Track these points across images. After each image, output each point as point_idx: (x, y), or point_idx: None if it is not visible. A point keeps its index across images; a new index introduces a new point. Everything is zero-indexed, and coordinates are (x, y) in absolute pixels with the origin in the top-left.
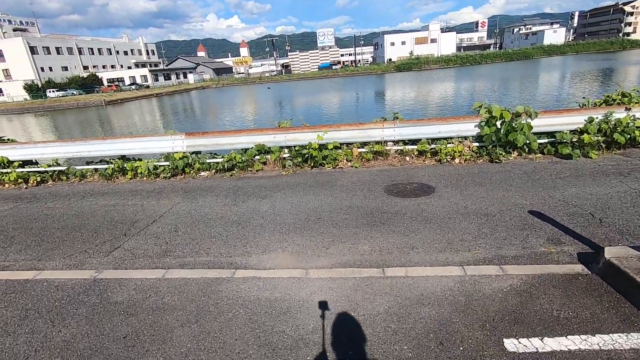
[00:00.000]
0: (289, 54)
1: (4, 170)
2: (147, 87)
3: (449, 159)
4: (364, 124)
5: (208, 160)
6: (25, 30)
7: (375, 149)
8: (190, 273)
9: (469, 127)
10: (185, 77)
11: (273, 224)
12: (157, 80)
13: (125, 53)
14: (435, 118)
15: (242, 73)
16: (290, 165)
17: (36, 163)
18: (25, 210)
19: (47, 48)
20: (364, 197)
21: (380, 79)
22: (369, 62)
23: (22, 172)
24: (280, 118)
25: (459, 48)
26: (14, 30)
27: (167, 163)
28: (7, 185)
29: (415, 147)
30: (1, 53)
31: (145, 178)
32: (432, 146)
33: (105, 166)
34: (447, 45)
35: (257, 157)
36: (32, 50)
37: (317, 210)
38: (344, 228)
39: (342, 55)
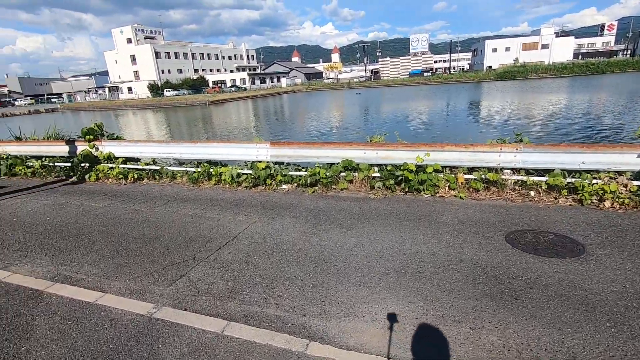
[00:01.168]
0: (379, 60)
1: (111, 165)
2: (245, 89)
3: (594, 201)
4: (476, 145)
5: (291, 173)
6: (153, 38)
7: (487, 177)
8: (254, 334)
9: (629, 160)
10: (278, 80)
11: (359, 270)
12: (254, 83)
13: (229, 58)
14: (576, 144)
15: (332, 78)
16: (379, 187)
17: (138, 160)
18: (115, 211)
19: (168, 53)
20: (478, 247)
21: (476, 88)
22: (464, 69)
23: (123, 168)
24: (366, 126)
25: (576, 55)
26: (145, 38)
27: (250, 172)
28: (110, 179)
29: (544, 179)
30: (134, 57)
31: (227, 185)
32: (569, 180)
33: (193, 169)
34: (562, 51)
35: (343, 173)
36: (157, 55)
37: (415, 258)
38: (456, 296)
39: (435, 62)
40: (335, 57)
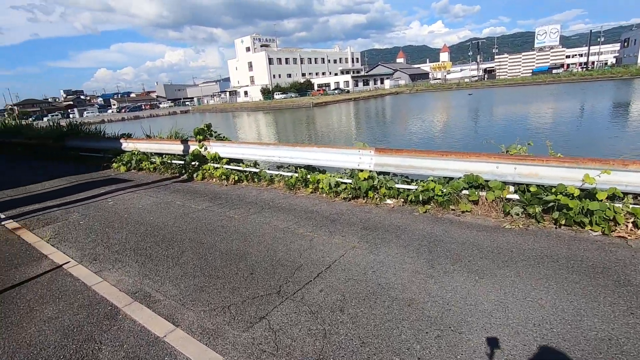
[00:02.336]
0: (495, 57)
1: (216, 165)
2: (347, 91)
3: None
4: None
5: (397, 186)
6: (268, 46)
7: None
8: None
9: None
10: (382, 82)
11: (509, 358)
12: (356, 85)
13: (335, 61)
14: None
15: (439, 79)
16: (518, 215)
17: (240, 162)
18: (210, 216)
19: (279, 59)
20: None
21: (627, 86)
22: (608, 63)
23: (226, 169)
24: (486, 133)
25: None
26: (261, 46)
27: (350, 181)
28: (214, 179)
29: None
30: (251, 64)
31: (324, 195)
32: None
33: (290, 174)
34: None
35: (466, 191)
36: (270, 61)
37: (608, 349)
38: None
39: (567, 56)
40: (444, 56)
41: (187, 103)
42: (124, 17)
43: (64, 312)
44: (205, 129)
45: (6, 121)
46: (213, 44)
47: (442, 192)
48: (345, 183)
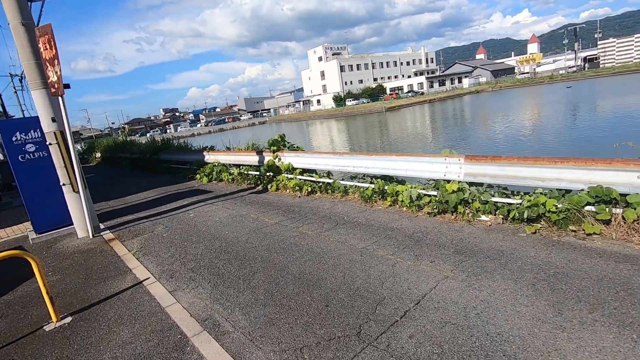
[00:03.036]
0: (599, 42)
1: (289, 176)
2: (422, 93)
3: None
4: None
5: (494, 199)
6: (339, 54)
7: None
8: None
9: None
10: (459, 82)
11: None
12: (432, 86)
13: (407, 63)
14: None
15: (527, 72)
16: None
17: (314, 172)
18: (283, 231)
19: (351, 66)
20: None
21: None
22: None
23: (300, 179)
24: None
25: None
26: (332, 54)
27: (434, 194)
28: (288, 190)
29: None
30: (323, 73)
31: (404, 209)
32: None
33: (366, 185)
34: None
35: (591, 208)
36: (341, 68)
37: None
38: None
39: None
40: (532, 47)
41: (264, 114)
42: (210, 40)
43: (138, 336)
44: (279, 139)
45: (119, 138)
46: (287, 57)
47: (557, 208)
48: (429, 195)
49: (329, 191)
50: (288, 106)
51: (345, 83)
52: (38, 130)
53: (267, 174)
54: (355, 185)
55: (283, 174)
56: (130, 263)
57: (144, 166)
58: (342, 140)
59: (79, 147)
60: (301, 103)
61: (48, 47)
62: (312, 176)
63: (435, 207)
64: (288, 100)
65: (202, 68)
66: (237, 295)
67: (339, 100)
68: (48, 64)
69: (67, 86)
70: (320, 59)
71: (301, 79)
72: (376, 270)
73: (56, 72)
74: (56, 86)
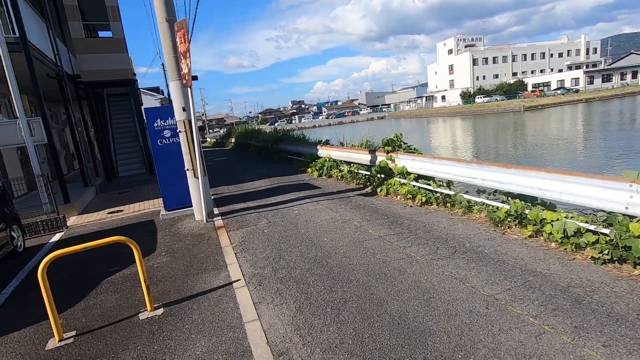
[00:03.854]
0: None
1: (402, 181)
2: (576, 91)
3: None
4: None
5: None
6: (473, 46)
7: None
8: None
9: None
10: (634, 77)
11: None
12: (591, 83)
13: (560, 55)
14: None
15: None
16: None
17: (431, 179)
18: (386, 250)
19: (485, 59)
20: None
21: None
22: None
23: (413, 186)
24: None
25: None
26: (465, 47)
27: (605, 232)
28: (399, 197)
29: None
30: (452, 67)
31: (553, 244)
32: None
33: (498, 205)
34: None
35: None
36: (474, 62)
37: None
38: None
39: None
40: None
41: (384, 109)
42: (340, 36)
43: (210, 354)
44: (395, 139)
45: (250, 127)
46: (414, 51)
47: None
48: (596, 233)
49: (447, 204)
50: (409, 102)
51: (477, 78)
52: (173, 118)
53: (378, 175)
54: (483, 203)
55: (395, 178)
56: (228, 257)
57: (266, 154)
58: (465, 142)
59: (220, 132)
60: (424, 99)
61: (182, 41)
62: (429, 184)
63: (606, 251)
64: (410, 96)
65: (330, 63)
66: (321, 330)
67: (467, 96)
68: (182, 57)
69: (194, 78)
70: (450, 52)
71: (426, 73)
72: (510, 339)
73: (187, 65)
74: (186, 78)
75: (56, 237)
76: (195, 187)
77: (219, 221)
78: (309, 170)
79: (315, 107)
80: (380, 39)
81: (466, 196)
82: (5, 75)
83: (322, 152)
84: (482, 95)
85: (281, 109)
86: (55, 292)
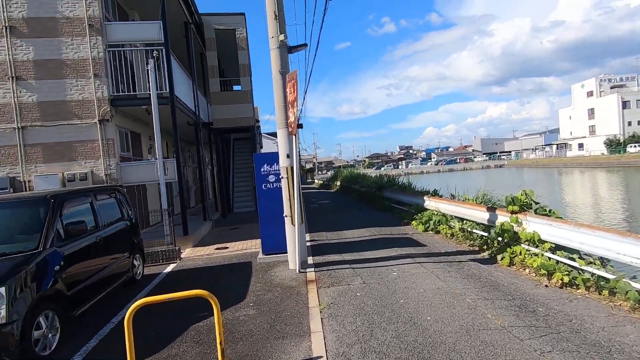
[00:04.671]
0: None
1: (533, 250)
2: None
3: None
4: None
5: None
6: (622, 86)
7: None
8: None
9: None
10: None
11: None
12: None
13: None
14: None
15: None
16: None
17: (576, 253)
18: (514, 353)
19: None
20: None
21: None
22: None
23: (549, 260)
24: None
25: None
26: (611, 88)
27: None
28: (527, 271)
29: None
30: (592, 111)
31: None
32: None
33: None
34: None
35: None
36: (624, 105)
37: None
38: None
39: None
40: None
41: (502, 157)
42: (453, 82)
43: None
44: (522, 197)
45: (355, 170)
46: (540, 94)
47: None
48: None
49: (603, 291)
50: (535, 149)
51: (629, 123)
52: (277, 164)
53: (499, 239)
54: None
55: (522, 245)
56: (314, 322)
57: (369, 200)
58: (615, 202)
59: (328, 174)
60: (554, 147)
61: (292, 91)
62: (572, 258)
63: None
64: (536, 143)
65: (441, 108)
66: None
67: (615, 144)
68: (290, 106)
69: (300, 126)
70: (590, 94)
71: (557, 118)
72: None
73: (294, 114)
74: (292, 126)
75: (170, 267)
76: (292, 234)
77: (311, 273)
78: (414, 222)
79: (423, 153)
80: (500, 82)
81: (636, 284)
82: (153, 122)
83: (429, 203)
84: (636, 144)
85: (388, 153)
86: (148, 332)
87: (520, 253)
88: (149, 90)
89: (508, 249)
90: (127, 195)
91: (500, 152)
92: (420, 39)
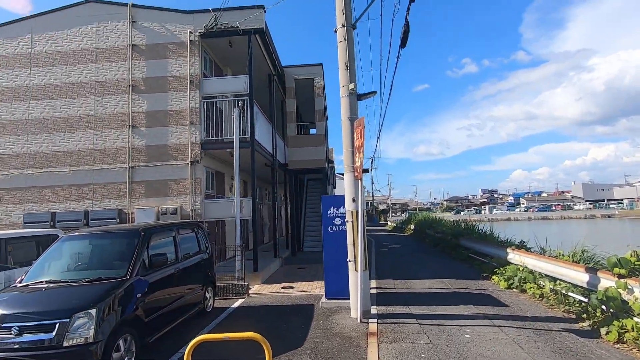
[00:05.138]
0: None
1: None
2: None
3: None
4: None
5: None
6: None
7: None
8: None
9: None
10: None
11: None
12: None
13: None
14: None
15: None
16: None
17: None
18: None
19: None
20: None
21: None
22: None
23: None
24: None
25: None
26: None
27: None
28: (634, 352)
29: None
30: None
31: None
32: None
33: None
34: None
35: None
36: None
37: None
38: None
39: None
40: None
41: (612, 205)
42: (545, 121)
43: None
44: (633, 258)
45: (430, 214)
46: None
47: None
48: None
49: None
50: None
51: None
52: (343, 206)
53: (603, 307)
54: None
55: (635, 319)
56: None
57: (443, 248)
58: None
59: (402, 216)
60: None
61: (359, 136)
62: None
63: None
64: None
65: (532, 150)
66: None
67: None
68: (356, 151)
69: (365, 171)
70: None
71: None
72: None
73: (360, 159)
74: (358, 170)
75: (238, 302)
76: (354, 281)
77: (373, 325)
78: (494, 277)
79: (511, 198)
80: (604, 121)
81: None
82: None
83: (513, 257)
84: None
85: (469, 197)
86: None
87: (633, 329)
88: (234, 135)
89: (616, 322)
90: (205, 230)
91: (608, 200)
92: (505, 78)
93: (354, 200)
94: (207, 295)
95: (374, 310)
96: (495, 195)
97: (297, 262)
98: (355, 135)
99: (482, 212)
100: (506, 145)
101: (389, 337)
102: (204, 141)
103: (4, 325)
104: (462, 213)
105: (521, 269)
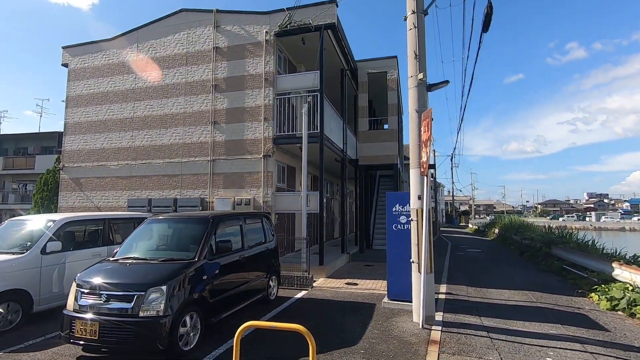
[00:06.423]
0: None
1: None
2: None
3: None
4: None
5: None
6: None
7: None
8: None
9: None
10: None
11: None
12: None
13: None
14: None
15: None
16: None
17: None
18: None
19: None
20: None
21: None
22: None
23: None
24: None
25: None
26: None
27: None
28: None
29: None
30: None
31: None
32: None
33: None
34: None
35: None
36: None
37: None
38: None
39: None
40: None
41: None
42: None
43: None
44: None
45: (524, 217)
46: None
47: None
48: None
49: None
50: None
51: None
52: (408, 204)
53: None
54: None
55: None
56: None
57: (531, 256)
58: None
59: (487, 219)
60: None
61: (426, 130)
62: None
63: None
64: None
65: None
66: None
67: None
68: (423, 145)
69: (431, 167)
70: None
71: None
72: None
73: (426, 153)
74: (424, 166)
75: (301, 293)
76: (417, 283)
77: (436, 332)
78: (594, 295)
79: (626, 204)
80: None
81: None
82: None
83: (621, 272)
84: None
85: (570, 201)
86: (261, 352)
87: None
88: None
89: None
90: (272, 221)
91: None
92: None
93: (419, 197)
94: (271, 283)
95: (439, 316)
96: (606, 201)
97: (365, 259)
98: (422, 129)
99: (587, 219)
100: (622, 143)
101: (453, 348)
102: (276, 136)
103: (98, 292)
104: (561, 219)
105: (631, 288)
